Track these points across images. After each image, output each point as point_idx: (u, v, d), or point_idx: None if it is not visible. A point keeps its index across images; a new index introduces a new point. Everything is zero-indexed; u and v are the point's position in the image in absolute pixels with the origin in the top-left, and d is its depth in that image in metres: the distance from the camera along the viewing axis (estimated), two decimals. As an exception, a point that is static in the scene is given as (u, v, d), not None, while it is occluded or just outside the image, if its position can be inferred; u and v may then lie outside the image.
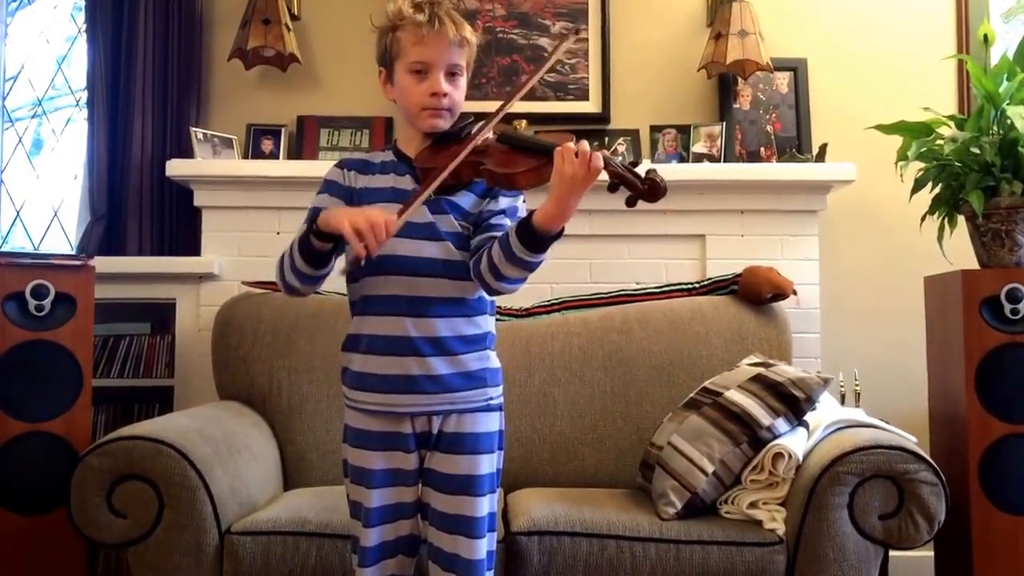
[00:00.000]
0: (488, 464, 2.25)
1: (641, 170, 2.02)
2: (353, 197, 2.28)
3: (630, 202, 2.03)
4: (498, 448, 2.30)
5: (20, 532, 3.03)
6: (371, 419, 2.23)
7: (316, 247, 2.12)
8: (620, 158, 2.08)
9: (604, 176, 2.03)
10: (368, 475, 2.22)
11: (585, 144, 1.99)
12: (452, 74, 2.24)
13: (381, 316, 2.21)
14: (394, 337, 2.19)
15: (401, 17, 2.23)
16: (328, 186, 2.31)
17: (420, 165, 2.22)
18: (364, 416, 2.24)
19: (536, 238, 2.04)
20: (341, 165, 2.34)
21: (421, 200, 2.10)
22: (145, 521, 2.62)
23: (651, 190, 2.00)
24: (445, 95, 2.22)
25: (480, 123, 2.22)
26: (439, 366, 2.19)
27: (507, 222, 2.22)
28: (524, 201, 2.31)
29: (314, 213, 2.23)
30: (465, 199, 2.25)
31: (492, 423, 2.28)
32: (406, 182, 2.26)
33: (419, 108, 2.24)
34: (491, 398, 2.28)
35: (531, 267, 2.10)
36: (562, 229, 2.06)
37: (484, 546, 2.23)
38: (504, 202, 2.26)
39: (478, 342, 2.26)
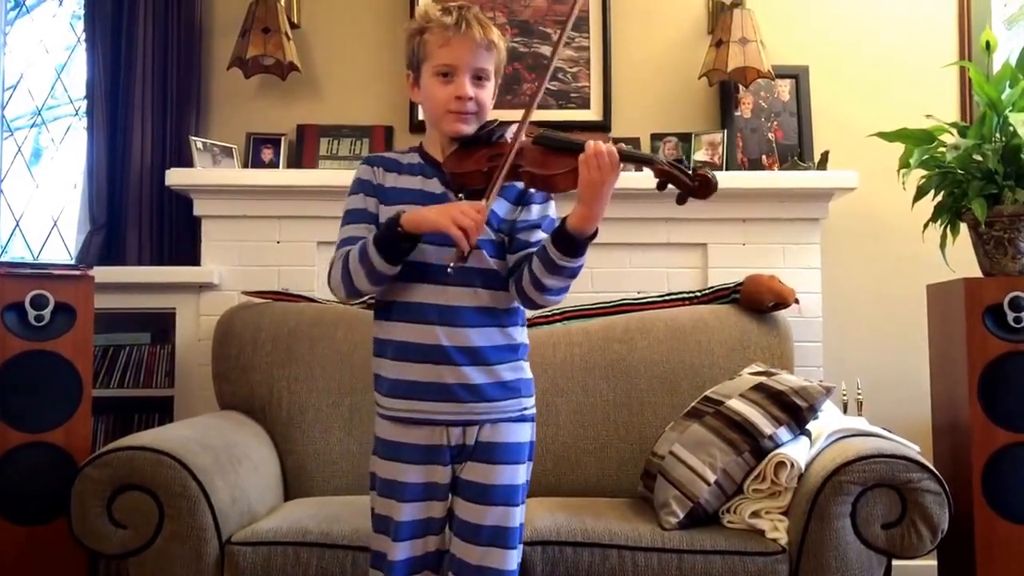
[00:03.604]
0: (523, 474, 2.25)
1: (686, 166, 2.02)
2: (382, 195, 2.27)
3: (680, 200, 2.02)
4: (528, 459, 2.29)
5: (20, 542, 3.02)
6: (407, 430, 2.20)
7: (403, 247, 2.12)
8: (662, 155, 2.06)
9: (652, 177, 2.05)
10: (400, 488, 2.18)
11: (601, 144, 2.01)
12: (478, 78, 2.23)
13: (410, 323, 2.18)
14: (426, 345, 2.16)
15: (429, 20, 2.23)
16: (361, 185, 2.31)
17: (452, 170, 2.20)
18: (400, 427, 2.21)
19: (573, 243, 2.07)
20: (370, 162, 2.33)
21: (497, 189, 2.10)
22: (145, 531, 2.61)
23: (703, 185, 1.99)
24: (470, 98, 2.21)
25: (514, 124, 2.20)
26: (474, 375, 2.17)
27: (541, 235, 2.22)
28: (553, 206, 2.31)
29: (355, 216, 2.28)
30: (499, 206, 2.23)
31: (525, 433, 2.27)
32: (434, 185, 2.25)
33: (444, 111, 2.23)
34: (525, 408, 2.28)
35: (571, 273, 2.12)
36: (596, 230, 2.07)
37: (516, 557, 2.22)
38: (536, 211, 2.26)
39: (511, 352, 2.25)
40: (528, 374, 2.30)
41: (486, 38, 2.21)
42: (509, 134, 2.22)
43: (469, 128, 2.24)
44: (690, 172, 2.00)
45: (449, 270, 2.05)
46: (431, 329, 2.15)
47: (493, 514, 2.19)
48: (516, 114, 2.25)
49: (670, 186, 2.04)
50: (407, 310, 2.18)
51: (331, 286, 2.27)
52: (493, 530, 2.19)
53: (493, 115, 2.32)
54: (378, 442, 2.26)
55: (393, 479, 2.20)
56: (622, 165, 2.04)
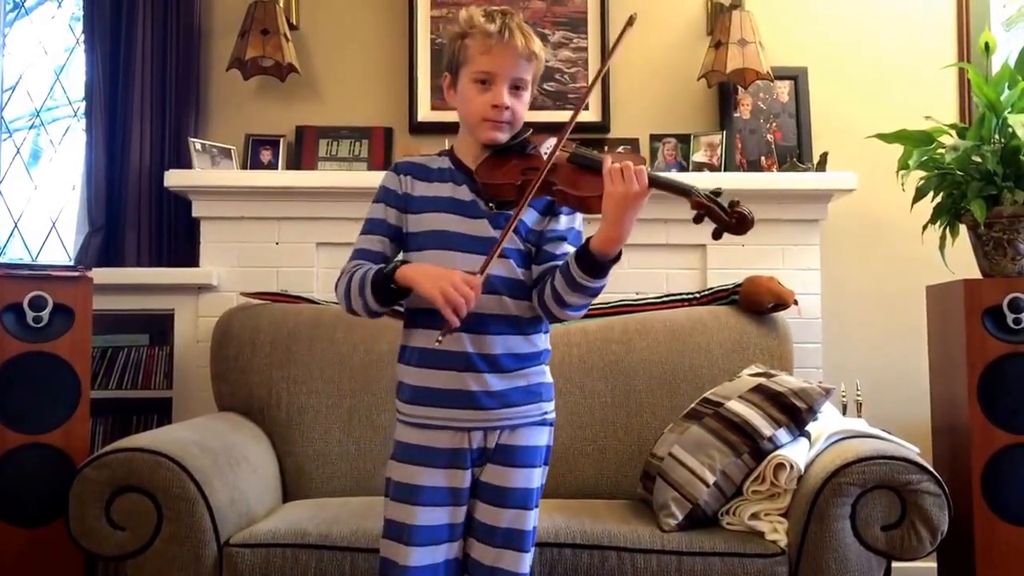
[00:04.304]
0: (538, 477, 2.25)
1: (724, 198, 2.00)
2: (409, 204, 2.26)
3: (716, 235, 2.01)
4: (544, 463, 2.29)
5: (18, 544, 3.02)
6: (430, 434, 2.19)
7: (395, 297, 2.15)
8: (702, 188, 2.04)
9: (688, 208, 2.03)
10: (418, 491, 2.17)
11: (629, 162, 1.99)
12: (516, 87, 2.22)
13: (435, 331, 2.14)
14: (450, 352, 2.15)
15: (472, 25, 2.21)
16: (385, 194, 2.29)
17: (484, 180, 2.19)
18: (423, 431, 2.20)
19: (595, 263, 2.06)
20: (397, 170, 2.31)
21: (501, 246, 2.09)
22: (144, 533, 2.61)
23: (739, 223, 1.98)
24: (507, 108, 2.20)
25: (550, 139, 2.19)
26: (496, 382, 2.17)
27: (567, 248, 2.22)
28: (581, 218, 2.31)
29: (373, 226, 2.27)
30: (528, 215, 2.22)
31: (543, 437, 2.26)
32: (464, 192, 2.24)
33: (479, 118, 2.21)
34: (546, 412, 2.27)
35: (593, 292, 2.11)
36: (620, 252, 2.07)
37: (529, 560, 2.22)
38: (564, 221, 2.25)
39: (533, 359, 2.24)
40: (549, 379, 2.30)
41: (527, 48, 2.20)
42: (543, 147, 2.21)
43: (503, 136, 2.23)
44: (727, 207, 1.98)
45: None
46: (457, 336, 2.13)
47: (508, 516, 2.19)
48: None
49: (706, 219, 2.03)
50: (433, 317, 2.14)
51: (336, 295, 2.27)
52: (507, 532, 2.19)
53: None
54: (397, 446, 2.25)
55: (410, 482, 2.18)
56: (653, 191, 2.04)
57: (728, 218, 1.98)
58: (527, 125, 2.29)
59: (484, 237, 2.16)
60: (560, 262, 2.17)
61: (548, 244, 2.23)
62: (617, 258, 2.08)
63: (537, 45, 2.24)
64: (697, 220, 2.04)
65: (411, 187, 2.28)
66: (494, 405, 2.17)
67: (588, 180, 2.11)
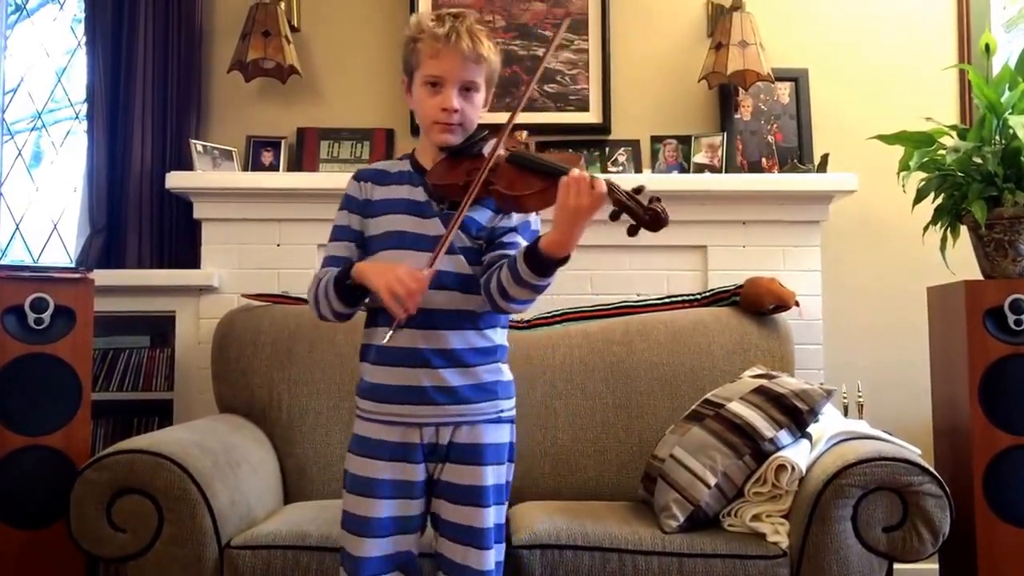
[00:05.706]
0: (493, 475, 2.25)
1: (645, 195, 2.01)
2: (369, 208, 2.31)
3: (631, 231, 2.02)
4: (508, 460, 2.30)
5: (19, 546, 3.01)
6: (381, 428, 2.23)
7: (355, 295, 2.20)
8: (622, 184, 2.05)
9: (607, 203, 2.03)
10: (372, 484, 2.21)
11: (586, 174, 2.00)
12: (467, 90, 2.25)
13: (390, 328, 2.19)
14: (404, 349, 2.19)
15: (421, 30, 2.25)
16: (348, 202, 2.36)
17: (433, 181, 2.23)
18: (374, 426, 2.24)
19: (543, 263, 2.06)
20: (357, 177, 2.37)
21: (447, 242, 2.12)
22: (144, 535, 2.61)
23: (653, 220, 1.99)
24: (456, 111, 2.23)
25: (492, 141, 2.22)
26: (450, 378, 2.20)
27: (519, 239, 2.24)
28: (537, 215, 2.32)
29: (339, 233, 2.33)
30: (481, 214, 2.26)
31: (502, 435, 2.28)
32: (419, 193, 2.28)
33: (431, 121, 2.26)
34: (502, 410, 2.28)
35: (538, 290, 2.12)
36: (568, 255, 2.07)
37: (492, 557, 2.23)
38: (516, 218, 2.28)
39: (489, 354, 2.27)
40: (507, 376, 2.32)
41: (475, 51, 2.22)
42: (487, 149, 2.24)
43: (455, 139, 2.27)
44: (646, 204, 1.99)
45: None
46: (410, 333, 2.18)
47: (464, 514, 2.21)
48: (519, 117, 2.28)
49: (623, 216, 2.03)
50: (387, 314, 2.18)
51: (308, 302, 2.32)
52: (468, 530, 2.21)
53: (490, 118, 2.35)
54: (354, 439, 2.29)
55: (365, 475, 2.22)
56: (607, 204, 2.03)
57: (644, 215, 1.99)
58: (486, 128, 2.31)
59: (436, 236, 2.19)
60: (510, 251, 2.20)
61: (499, 236, 2.26)
62: (565, 260, 2.08)
63: (486, 48, 2.25)
64: (613, 217, 2.04)
65: (371, 192, 2.34)
66: (445, 401, 2.20)
67: (524, 179, 2.13)
